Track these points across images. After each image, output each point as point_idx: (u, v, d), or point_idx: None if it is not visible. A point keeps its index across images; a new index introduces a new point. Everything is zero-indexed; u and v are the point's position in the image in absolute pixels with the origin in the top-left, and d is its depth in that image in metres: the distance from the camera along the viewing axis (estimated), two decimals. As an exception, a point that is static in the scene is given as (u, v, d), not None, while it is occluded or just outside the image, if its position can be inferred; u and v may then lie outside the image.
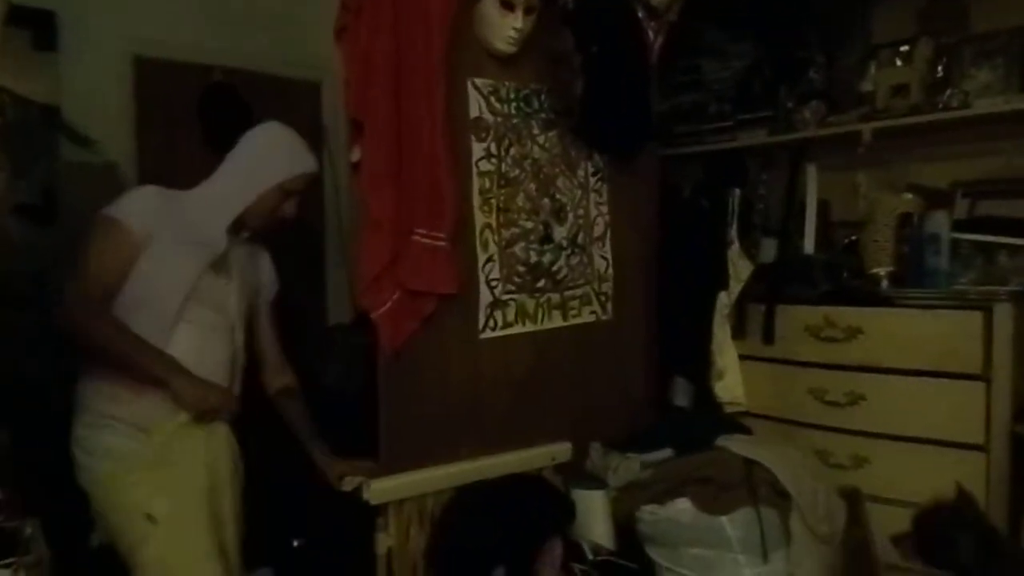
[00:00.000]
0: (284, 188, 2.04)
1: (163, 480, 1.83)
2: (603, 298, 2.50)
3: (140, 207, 1.90)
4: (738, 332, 2.68)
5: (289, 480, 2.46)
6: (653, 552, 2.14)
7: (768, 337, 2.59)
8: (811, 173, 2.72)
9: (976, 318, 2.18)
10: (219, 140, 3.16)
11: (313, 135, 3.59)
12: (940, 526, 1.61)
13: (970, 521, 1.60)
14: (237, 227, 2.04)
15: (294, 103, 3.48)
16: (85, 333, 1.81)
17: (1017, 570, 1.60)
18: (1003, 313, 2.14)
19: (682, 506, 2.10)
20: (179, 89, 3.22)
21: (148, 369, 1.83)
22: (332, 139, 3.59)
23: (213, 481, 1.92)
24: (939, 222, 2.37)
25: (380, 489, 2.00)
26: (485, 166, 2.21)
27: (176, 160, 3.12)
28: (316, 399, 2.55)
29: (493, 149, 2.22)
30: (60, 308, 1.82)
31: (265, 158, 2.06)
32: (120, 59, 3.07)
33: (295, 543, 2.46)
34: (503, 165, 2.24)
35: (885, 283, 2.44)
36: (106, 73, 3.02)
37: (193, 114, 3.25)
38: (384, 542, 2.03)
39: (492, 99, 2.22)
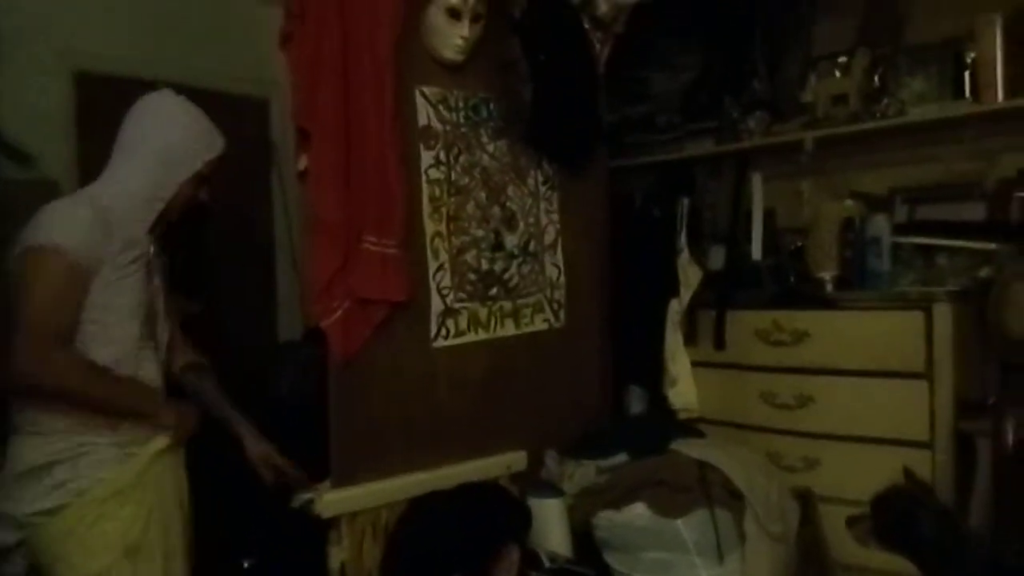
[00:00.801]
0: (201, 174, 1.85)
1: (143, 508, 1.70)
2: (555, 306, 2.51)
3: (82, 234, 1.63)
4: (690, 339, 2.70)
5: (234, 498, 2.40)
6: (610, 558, 2.14)
7: (719, 343, 2.62)
8: (757, 181, 2.78)
9: (917, 318, 2.23)
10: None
11: (261, 152, 3.57)
12: (898, 506, 1.63)
13: (926, 500, 1.63)
14: (157, 224, 1.81)
15: (242, 120, 3.43)
16: (55, 385, 1.60)
17: (974, 544, 1.63)
18: (943, 312, 2.19)
19: (638, 510, 2.10)
20: (122, 105, 3.13)
21: (134, 409, 1.70)
22: (281, 156, 3.56)
23: (172, 509, 1.80)
24: (880, 226, 2.43)
25: (331, 501, 1.97)
26: (434, 174, 2.20)
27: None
28: (269, 414, 2.50)
29: (442, 157, 2.22)
30: (12, 365, 1.56)
31: (181, 145, 1.81)
32: (61, 74, 3.00)
33: (245, 564, 2.40)
34: (452, 173, 2.24)
35: (830, 286, 2.49)
36: (47, 88, 2.95)
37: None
38: (337, 556, 1.99)
39: (440, 107, 2.22)
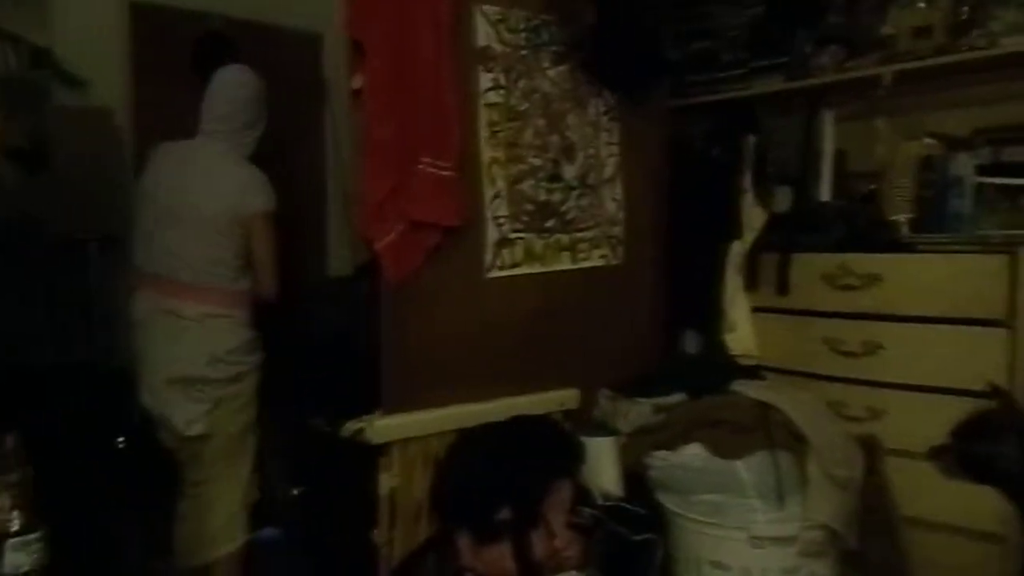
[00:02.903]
0: None
1: None
2: (613, 241, 2.42)
3: None
4: (750, 283, 2.59)
5: (285, 429, 2.39)
6: (664, 498, 2.08)
7: (782, 287, 2.50)
8: (828, 119, 2.64)
9: (1000, 262, 2.09)
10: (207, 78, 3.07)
11: (313, 89, 3.52)
12: (984, 432, 1.53)
13: (1015, 423, 1.51)
14: None
15: (294, 56, 3.39)
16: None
17: None
18: (1029, 256, 2.06)
19: (695, 451, 2.03)
20: (175, 36, 3.13)
21: None
22: (334, 95, 3.50)
23: None
24: (963, 165, 2.29)
25: (382, 427, 1.93)
26: (492, 98, 2.12)
27: (172, 108, 3.02)
28: (318, 349, 2.49)
29: (501, 80, 2.14)
30: (268, 288, 2.31)
31: None
32: (117, 2, 2.98)
33: (294, 492, 2.40)
34: (511, 98, 2.16)
35: (905, 229, 2.36)
36: (101, 16, 2.94)
37: (188, 62, 3.16)
38: (387, 483, 1.96)
39: (501, 28, 2.13)
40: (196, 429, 2.20)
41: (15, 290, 2.65)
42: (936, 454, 1.60)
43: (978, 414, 1.60)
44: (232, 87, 2.34)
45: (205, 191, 2.24)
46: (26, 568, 1.23)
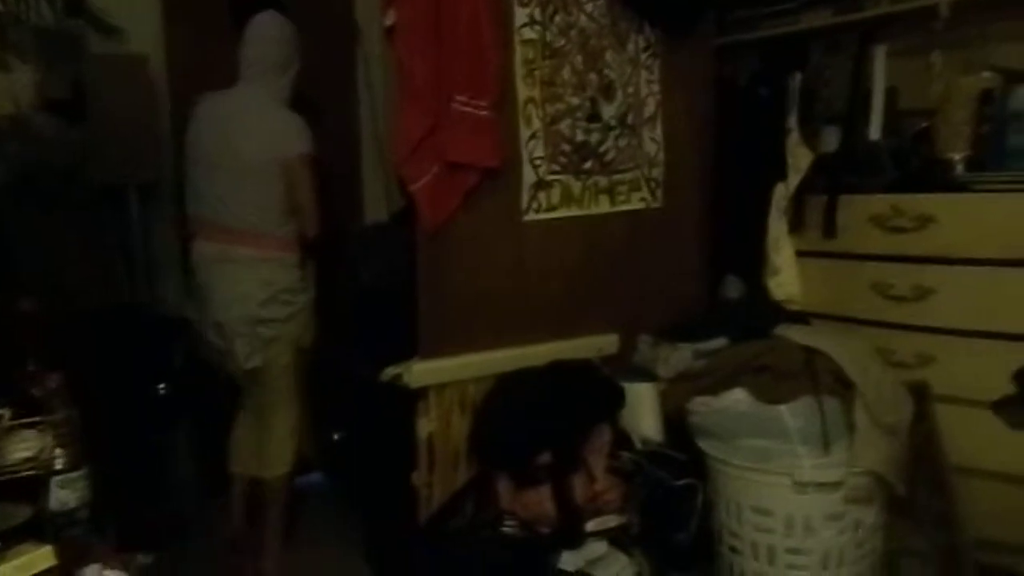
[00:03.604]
0: None
1: None
2: (653, 184, 2.36)
3: None
4: (795, 226, 2.51)
5: (325, 373, 2.40)
6: (705, 444, 2.04)
7: (829, 230, 2.42)
8: (880, 55, 2.51)
9: (1066, 200, 2.00)
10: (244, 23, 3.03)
11: (346, 34, 3.46)
12: None
13: None
14: None
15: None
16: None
17: None
18: (1096, 194, 1.95)
19: (738, 396, 1.99)
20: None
21: None
22: (366, 39, 3.44)
23: None
24: (1024, 99, 2.17)
25: (420, 372, 1.92)
26: (528, 34, 2.05)
27: (205, 52, 3.00)
28: (355, 296, 2.48)
29: (537, 15, 2.06)
30: (313, 227, 2.34)
31: None
32: (147, -54, 2.94)
33: (335, 436, 2.42)
34: (548, 34, 2.09)
35: (961, 167, 2.25)
36: (135, -38, 2.89)
37: (223, 5, 3.11)
38: (425, 427, 1.96)
39: (536, -41, 2.05)
40: (254, 362, 2.36)
41: (58, 237, 2.68)
42: (1000, 407, 1.53)
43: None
44: (262, 29, 2.40)
45: (245, 138, 2.30)
46: (72, 504, 1.24)
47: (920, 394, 2.11)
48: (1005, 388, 2.02)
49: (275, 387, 2.42)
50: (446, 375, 1.97)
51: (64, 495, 1.24)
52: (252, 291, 2.31)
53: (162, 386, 2.57)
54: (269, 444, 2.44)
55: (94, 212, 2.79)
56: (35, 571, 1.11)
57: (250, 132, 2.30)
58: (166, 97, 2.95)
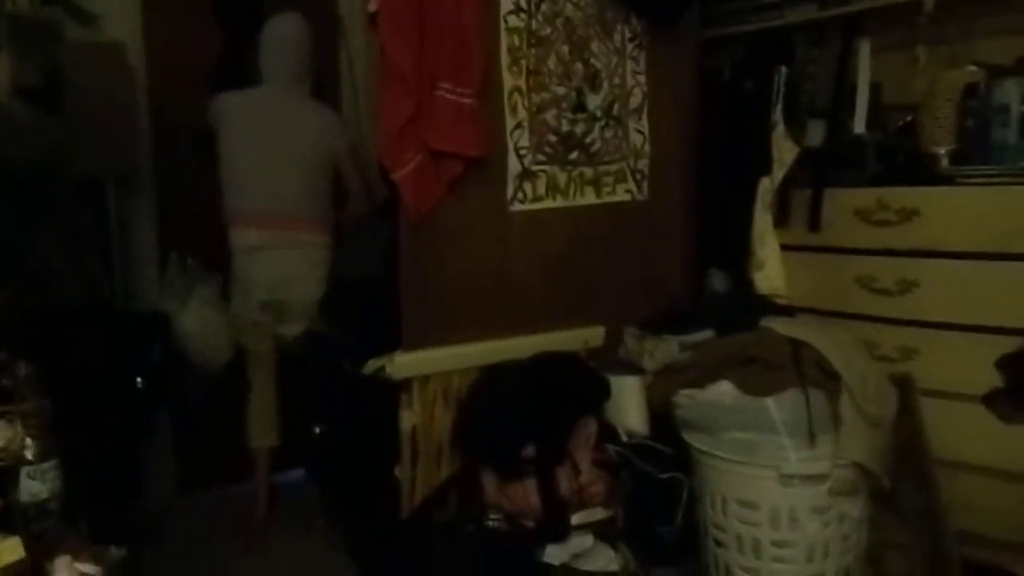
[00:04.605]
0: None
1: None
2: (639, 176, 2.34)
3: None
4: (780, 220, 2.51)
5: (308, 366, 2.37)
6: (691, 437, 2.02)
7: (814, 223, 2.42)
8: (864, 49, 2.51)
9: (1048, 194, 2.00)
10: (229, 21, 2.99)
11: (329, 26, 3.41)
12: None
13: None
14: None
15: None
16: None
17: None
18: (1079, 188, 1.96)
19: (724, 388, 1.97)
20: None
21: None
22: (349, 33, 3.40)
23: None
24: (1009, 92, 2.17)
25: (403, 363, 1.89)
26: (514, 21, 2.03)
27: (186, 40, 2.96)
28: (338, 288, 2.45)
29: (523, 3, 2.04)
30: (361, 208, 2.63)
31: None
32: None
33: (316, 430, 2.38)
34: (533, 22, 2.06)
35: (945, 161, 2.25)
36: (110, -54, 2.84)
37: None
38: (408, 420, 1.93)
39: (522, -55, 2.03)
40: (293, 331, 2.57)
41: (33, 229, 2.62)
42: (991, 400, 1.53)
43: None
44: (285, 31, 2.62)
45: (299, 135, 2.55)
46: (43, 496, 1.21)
47: (905, 387, 2.11)
48: (989, 381, 2.03)
49: (274, 358, 2.66)
50: (429, 367, 1.94)
51: (34, 486, 1.21)
52: (309, 272, 2.55)
53: (139, 380, 2.52)
54: (276, 411, 2.66)
55: (70, 204, 2.73)
56: (2, 563, 1.07)
57: (303, 130, 2.56)
58: (144, 86, 2.89)
